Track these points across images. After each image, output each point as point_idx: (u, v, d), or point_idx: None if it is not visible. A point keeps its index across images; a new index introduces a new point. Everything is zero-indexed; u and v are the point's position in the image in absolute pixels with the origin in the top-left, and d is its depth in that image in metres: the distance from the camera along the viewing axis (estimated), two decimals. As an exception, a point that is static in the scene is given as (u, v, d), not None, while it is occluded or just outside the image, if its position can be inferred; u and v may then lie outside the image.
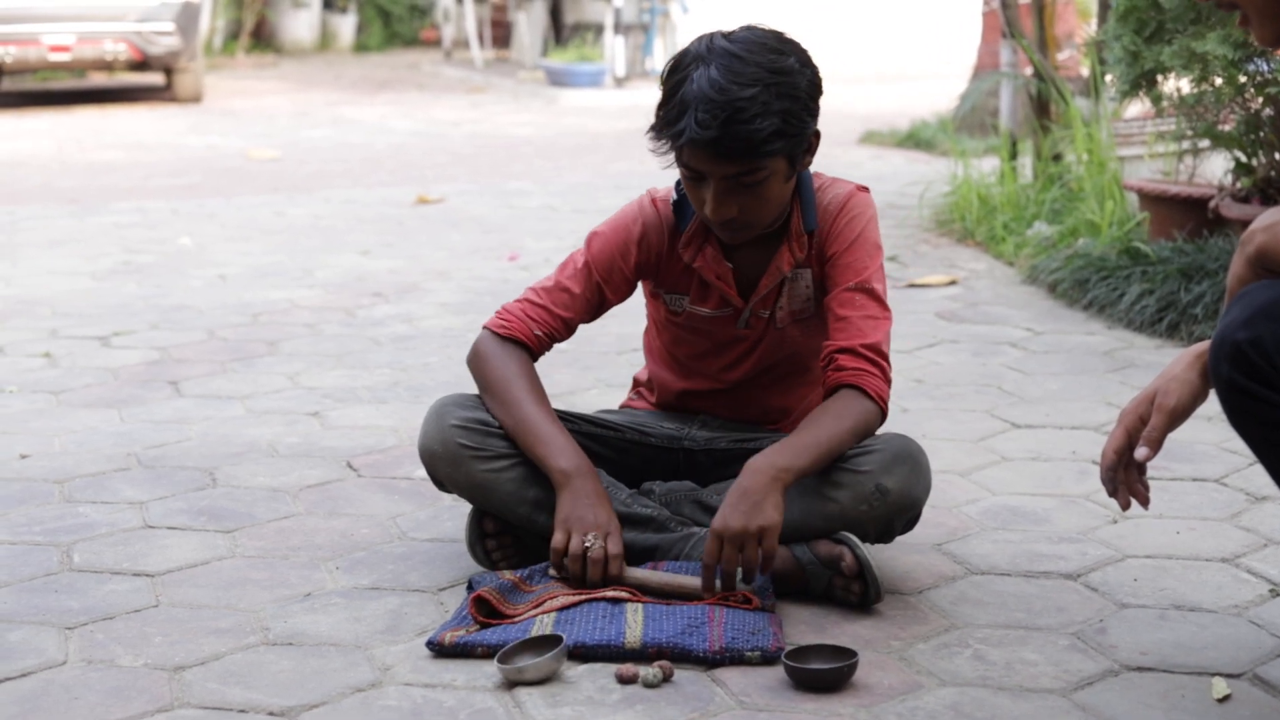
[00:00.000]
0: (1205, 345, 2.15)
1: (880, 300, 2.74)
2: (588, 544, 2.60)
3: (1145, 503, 2.26)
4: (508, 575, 2.65)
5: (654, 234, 2.83)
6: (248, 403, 4.13)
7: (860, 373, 2.68)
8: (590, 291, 2.84)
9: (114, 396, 4.23)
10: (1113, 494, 2.26)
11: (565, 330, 2.87)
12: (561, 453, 2.70)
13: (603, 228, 2.87)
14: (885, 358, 2.71)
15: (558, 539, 2.63)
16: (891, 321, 2.75)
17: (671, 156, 2.67)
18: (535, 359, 2.84)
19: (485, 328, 2.86)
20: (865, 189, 2.82)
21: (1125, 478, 2.26)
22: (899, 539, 2.79)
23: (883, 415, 2.69)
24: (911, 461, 2.66)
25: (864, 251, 2.75)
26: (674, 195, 2.83)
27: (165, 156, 10.78)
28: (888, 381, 2.70)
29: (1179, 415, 2.18)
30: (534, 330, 2.83)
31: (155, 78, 17.24)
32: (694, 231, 2.80)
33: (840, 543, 2.63)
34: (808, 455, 2.59)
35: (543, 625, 2.48)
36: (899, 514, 2.66)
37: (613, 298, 2.87)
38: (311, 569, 2.89)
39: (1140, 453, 2.20)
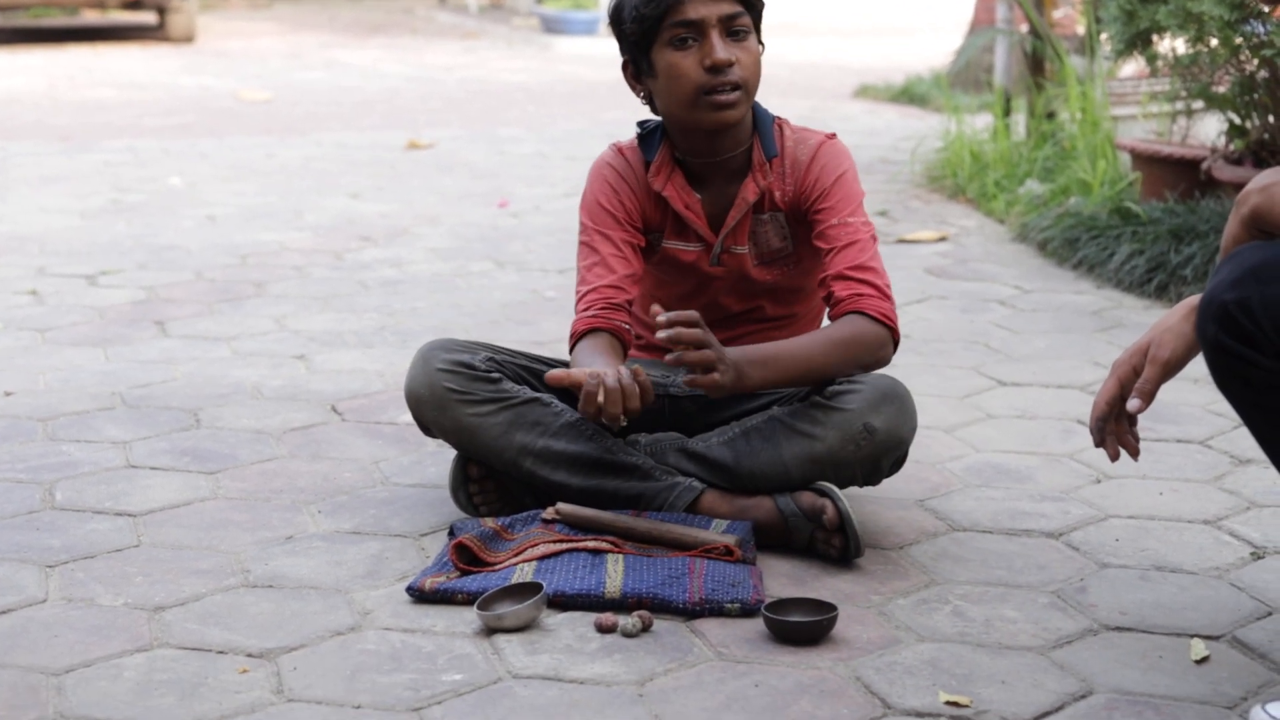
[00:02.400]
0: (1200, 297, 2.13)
1: (865, 229, 2.77)
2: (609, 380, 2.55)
3: (1135, 454, 2.25)
4: (489, 523, 2.65)
5: (628, 172, 2.88)
6: (234, 344, 4.12)
7: (857, 297, 2.71)
8: (619, 244, 2.84)
9: (100, 335, 4.21)
10: (1101, 444, 2.25)
11: (633, 283, 2.84)
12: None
13: (584, 194, 2.92)
14: (878, 274, 2.74)
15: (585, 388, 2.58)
16: (876, 243, 2.79)
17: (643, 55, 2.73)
18: (625, 346, 2.81)
19: (571, 333, 2.83)
20: (833, 135, 2.87)
21: (1115, 429, 2.25)
22: (882, 494, 2.79)
23: (890, 331, 2.72)
24: (898, 400, 2.66)
25: (842, 194, 2.80)
26: (638, 131, 2.89)
27: (158, 96, 10.72)
28: (888, 298, 2.73)
29: (1172, 367, 2.17)
30: (611, 318, 2.79)
31: (148, 17, 17.11)
32: (662, 160, 2.85)
33: (823, 494, 2.63)
34: (774, 368, 2.64)
35: (523, 573, 2.49)
36: (886, 454, 2.66)
37: (639, 239, 2.87)
38: (293, 512, 2.89)
39: (1132, 404, 2.19)
